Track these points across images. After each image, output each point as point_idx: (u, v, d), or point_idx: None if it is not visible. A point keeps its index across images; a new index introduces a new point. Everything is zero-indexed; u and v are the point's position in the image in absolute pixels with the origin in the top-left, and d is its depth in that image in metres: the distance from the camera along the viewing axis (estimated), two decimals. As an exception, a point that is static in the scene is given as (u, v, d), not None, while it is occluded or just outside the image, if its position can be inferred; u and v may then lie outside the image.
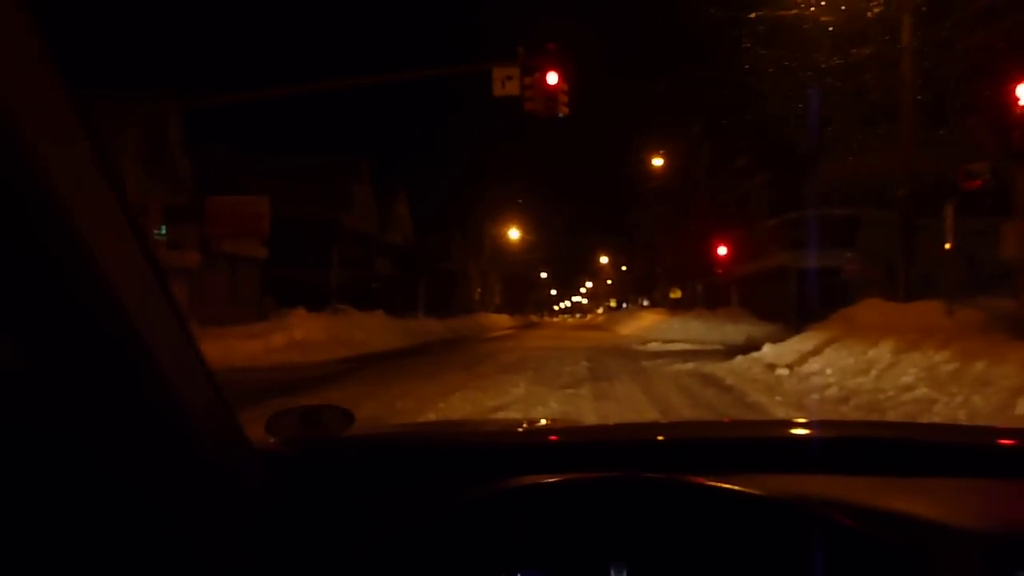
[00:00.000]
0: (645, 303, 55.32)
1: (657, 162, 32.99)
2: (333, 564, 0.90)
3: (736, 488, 0.92)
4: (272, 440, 1.07)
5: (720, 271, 33.30)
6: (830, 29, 15.67)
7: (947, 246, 12.47)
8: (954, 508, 0.97)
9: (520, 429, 1.67)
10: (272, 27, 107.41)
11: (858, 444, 1.23)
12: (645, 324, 34.10)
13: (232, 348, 13.97)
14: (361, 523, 0.97)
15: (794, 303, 28.25)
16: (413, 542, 0.92)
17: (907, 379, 8.51)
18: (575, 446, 1.31)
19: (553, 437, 1.49)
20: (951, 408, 7.02)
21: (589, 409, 7.94)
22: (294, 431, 1.09)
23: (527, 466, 1.04)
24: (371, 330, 20.90)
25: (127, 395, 0.69)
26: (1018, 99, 10.35)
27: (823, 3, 15.66)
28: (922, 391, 7.91)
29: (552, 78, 14.03)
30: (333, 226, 33.14)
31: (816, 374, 10.51)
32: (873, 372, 9.39)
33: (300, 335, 17.09)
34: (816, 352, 11.95)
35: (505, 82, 14.29)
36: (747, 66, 16.76)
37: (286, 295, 23.89)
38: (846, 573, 0.88)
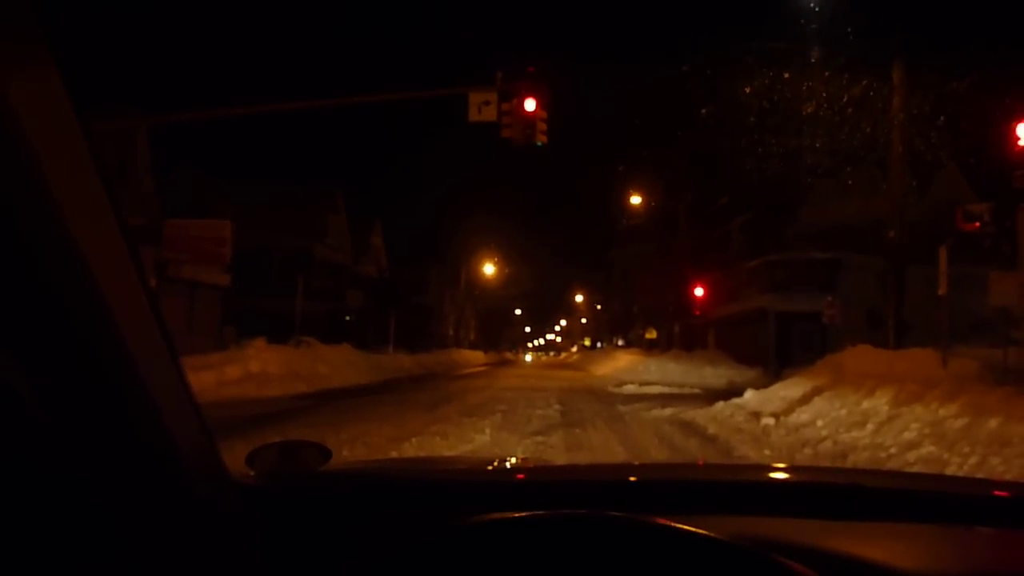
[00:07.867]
0: (620, 343, 54.54)
1: (636, 200, 32.47)
2: None
3: (694, 530, 0.88)
4: (251, 473, 1.08)
5: (698, 312, 32.74)
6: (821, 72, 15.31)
7: (940, 292, 11.85)
8: (901, 553, 0.97)
9: (490, 467, 1.65)
10: (251, 53, 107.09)
11: (818, 489, 1.26)
12: (620, 365, 33.27)
13: (178, 380, 12.90)
14: (336, 555, 0.97)
15: (773, 347, 27.68)
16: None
17: (910, 435, 7.76)
18: (547, 484, 1.31)
19: (524, 476, 1.49)
20: (966, 470, 6.25)
21: (560, 461, 7.06)
22: (273, 465, 1.10)
23: (498, 503, 1.05)
24: (335, 364, 19.86)
25: (119, 420, 0.70)
26: (1018, 138, 9.83)
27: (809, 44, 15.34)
28: (928, 449, 7.15)
29: (530, 105, 13.38)
30: (303, 255, 32.19)
31: (806, 425, 9.73)
32: (870, 425, 8.64)
33: (256, 368, 16.02)
34: (804, 401, 11.21)
35: (482, 107, 13.62)
36: (730, 106, 16.38)
37: (251, 325, 22.85)
38: None
